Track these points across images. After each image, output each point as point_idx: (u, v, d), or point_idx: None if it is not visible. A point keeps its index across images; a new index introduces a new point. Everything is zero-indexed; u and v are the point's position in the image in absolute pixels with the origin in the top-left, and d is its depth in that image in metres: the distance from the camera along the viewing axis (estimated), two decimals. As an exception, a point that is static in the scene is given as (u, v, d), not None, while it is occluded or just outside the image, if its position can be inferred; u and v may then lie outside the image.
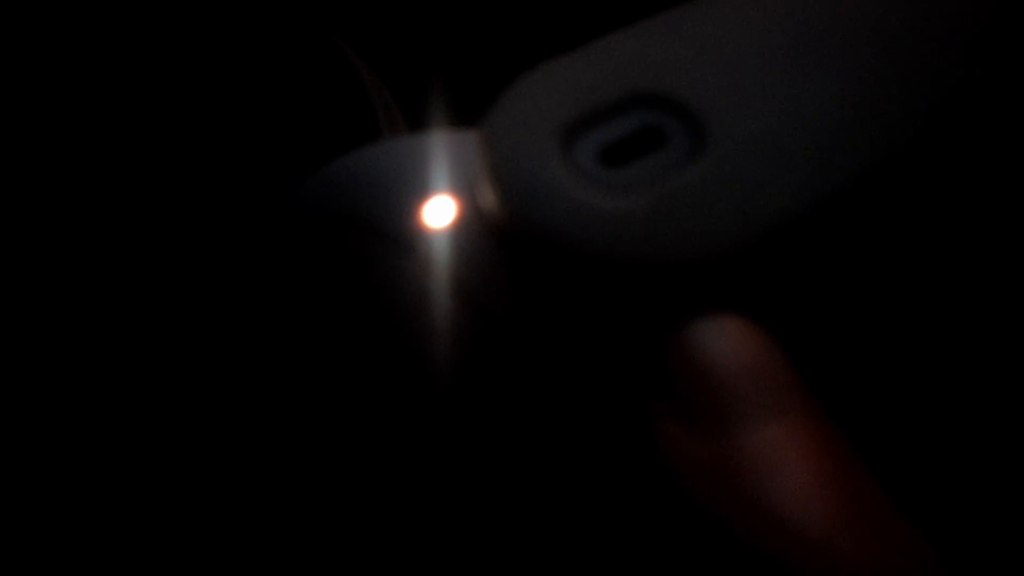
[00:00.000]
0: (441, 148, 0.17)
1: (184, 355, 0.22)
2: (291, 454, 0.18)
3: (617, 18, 0.16)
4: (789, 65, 0.15)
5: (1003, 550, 0.17)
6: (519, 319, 0.15)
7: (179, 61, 0.24)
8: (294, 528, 0.19)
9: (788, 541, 0.12)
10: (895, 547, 0.13)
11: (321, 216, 0.17)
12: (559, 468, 0.15)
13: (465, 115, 0.18)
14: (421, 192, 0.16)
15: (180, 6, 0.25)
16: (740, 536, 0.12)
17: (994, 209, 0.16)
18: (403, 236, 0.16)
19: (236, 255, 0.20)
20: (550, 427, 0.15)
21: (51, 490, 0.22)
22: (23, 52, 0.24)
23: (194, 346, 0.22)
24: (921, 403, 0.17)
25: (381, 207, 0.16)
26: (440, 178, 0.16)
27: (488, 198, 0.14)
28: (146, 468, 0.22)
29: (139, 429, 0.22)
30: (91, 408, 0.22)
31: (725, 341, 0.14)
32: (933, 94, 0.15)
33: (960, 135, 0.15)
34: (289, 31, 0.25)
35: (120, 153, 0.24)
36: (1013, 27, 0.15)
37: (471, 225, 0.15)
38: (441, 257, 0.15)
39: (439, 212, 0.16)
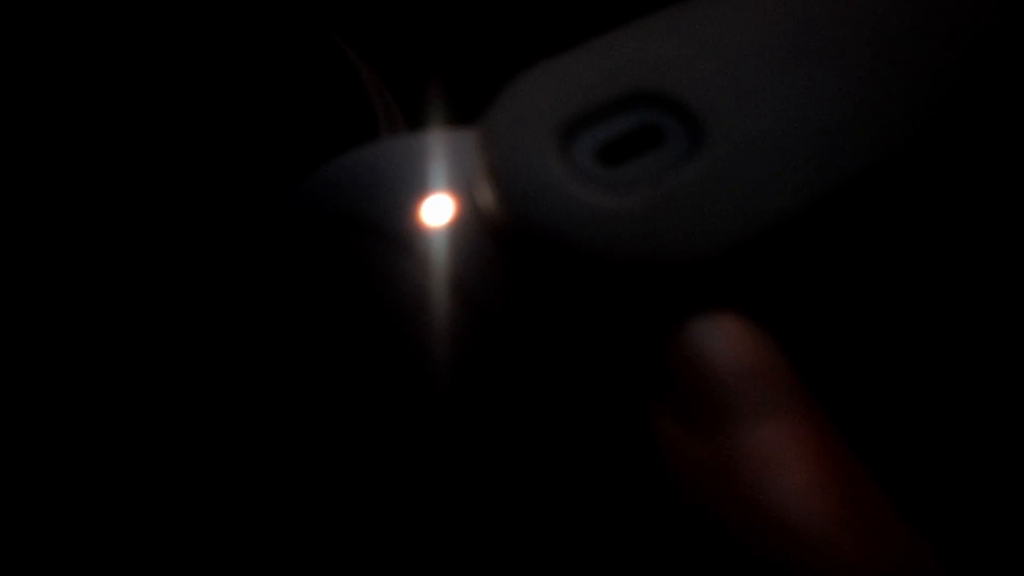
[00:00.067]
0: (440, 147, 0.17)
1: (183, 354, 0.22)
2: (290, 452, 0.18)
3: (616, 17, 0.16)
4: (787, 64, 0.15)
5: (1002, 550, 0.17)
6: (518, 318, 0.15)
7: (178, 60, 0.24)
8: (293, 527, 0.19)
9: (787, 540, 0.12)
10: (894, 546, 0.13)
11: (320, 215, 0.17)
12: (558, 467, 0.15)
13: (464, 114, 0.18)
14: (420, 191, 0.16)
15: (180, 5, 0.25)
16: (739, 535, 0.12)
17: (994, 209, 0.16)
18: (402, 235, 0.16)
19: (235, 254, 0.20)
20: (549, 426, 0.15)
21: (51, 490, 0.22)
22: (23, 51, 0.24)
23: (193, 345, 0.22)
24: (920, 402, 0.17)
25: (380, 206, 0.16)
26: (439, 177, 0.16)
27: (486, 197, 0.14)
28: (146, 468, 0.22)
29: (139, 429, 0.22)
30: (91, 408, 0.22)
31: (724, 340, 0.14)
32: (933, 93, 0.15)
33: (960, 135, 0.15)
34: (288, 30, 0.25)
35: (119, 152, 0.24)
36: (1014, 27, 0.15)
37: (470, 224, 0.15)
38: (440, 256, 0.15)
39: (438, 211, 0.16)
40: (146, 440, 0.22)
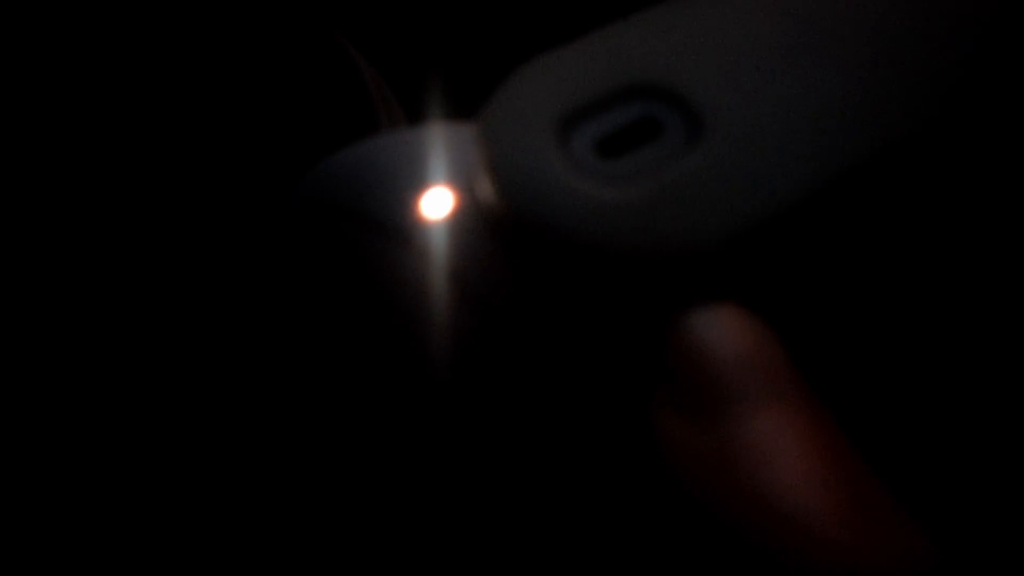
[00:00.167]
0: (439, 141, 0.17)
1: (184, 348, 0.22)
2: (290, 443, 0.18)
3: (614, 10, 0.16)
4: (785, 56, 0.15)
5: (1001, 540, 0.17)
6: (517, 310, 0.15)
7: (178, 56, 0.24)
8: (293, 519, 0.19)
9: (786, 530, 0.12)
10: (892, 536, 0.13)
11: (321, 209, 0.17)
12: (557, 460, 0.15)
13: (463, 108, 0.18)
14: (419, 184, 0.16)
15: (180, 2, 0.25)
16: (738, 526, 0.13)
17: (993, 202, 0.16)
18: (402, 228, 0.16)
19: (236, 249, 0.20)
20: (548, 418, 0.15)
21: (51, 490, 0.22)
22: (23, 47, 0.24)
23: (194, 338, 0.22)
24: (918, 395, 0.17)
25: (380, 199, 0.16)
26: (438, 170, 0.16)
27: (486, 190, 0.14)
28: (145, 461, 0.22)
29: (138, 423, 0.22)
30: (91, 399, 0.22)
31: (722, 332, 0.14)
32: (931, 86, 0.15)
33: (959, 128, 0.15)
34: (288, 26, 0.25)
35: (118, 148, 0.24)
36: (1014, 26, 0.15)
37: (469, 217, 0.15)
38: (439, 248, 0.15)
39: (437, 204, 0.16)
40: (146, 432, 0.22)
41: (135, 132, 0.24)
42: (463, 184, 0.16)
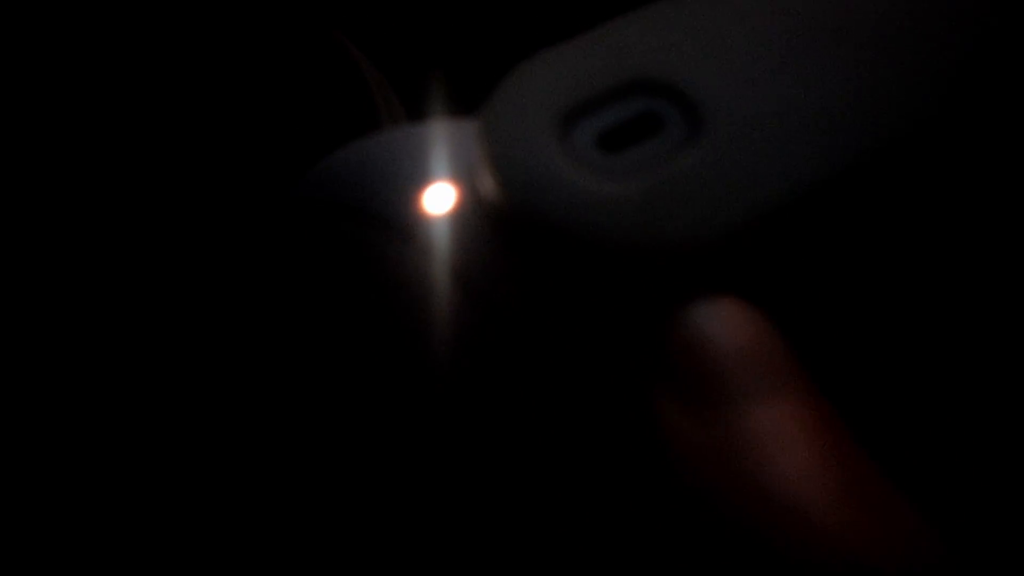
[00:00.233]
0: (440, 137, 0.17)
1: (186, 346, 0.22)
2: (291, 441, 0.18)
3: (614, 6, 0.16)
4: (785, 52, 0.15)
5: (1004, 531, 0.17)
6: (519, 304, 0.15)
7: (180, 55, 0.24)
8: (293, 518, 0.19)
9: (787, 520, 0.12)
10: (895, 526, 0.13)
11: (322, 205, 0.17)
12: (560, 454, 0.16)
13: (464, 105, 0.18)
14: (421, 180, 0.16)
15: (182, 1, 0.25)
16: (740, 517, 0.13)
17: (992, 199, 0.16)
18: (404, 223, 0.16)
19: (239, 247, 0.20)
20: (550, 413, 0.15)
21: (51, 490, 0.22)
22: (25, 46, 0.24)
23: (196, 336, 0.22)
24: (918, 387, 0.18)
25: (382, 195, 0.16)
26: (440, 166, 0.16)
27: (487, 185, 0.15)
28: (144, 460, 0.22)
29: (138, 420, 0.22)
30: (92, 395, 0.22)
31: (723, 324, 0.14)
32: (932, 81, 0.15)
33: (959, 123, 0.15)
34: (289, 25, 0.25)
35: (120, 147, 0.24)
36: (1014, 26, 0.15)
37: (471, 212, 0.15)
38: (441, 244, 0.15)
39: (439, 199, 0.16)
40: (145, 430, 0.22)
41: (138, 132, 0.24)
42: (465, 180, 0.16)
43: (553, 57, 0.15)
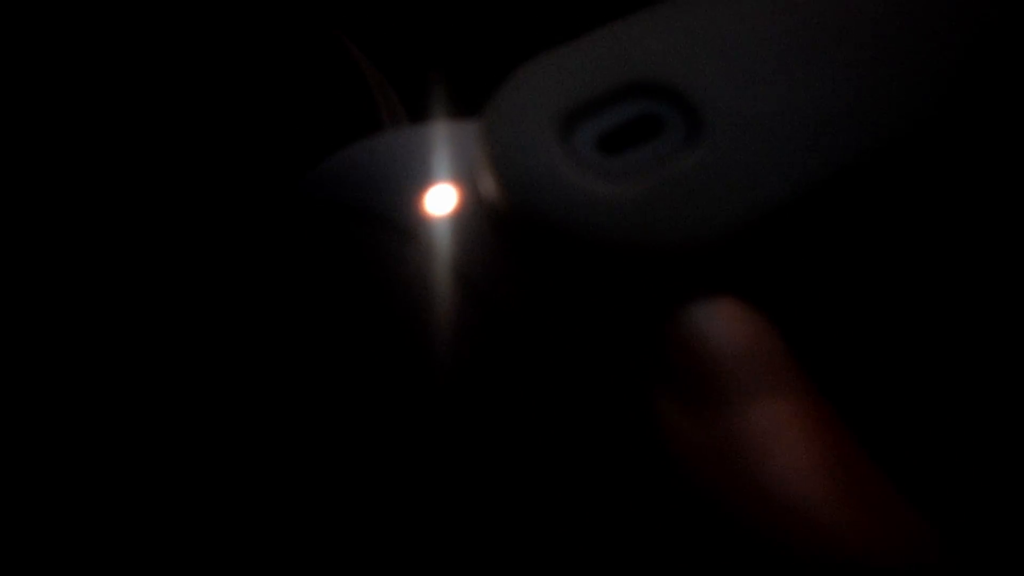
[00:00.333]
0: (442, 138, 0.17)
1: (188, 346, 0.22)
2: (294, 440, 0.18)
3: (615, 9, 0.16)
4: (785, 54, 0.15)
5: (1002, 530, 0.17)
6: (519, 304, 0.15)
7: (181, 54, 0.24)
8: (294, 518, 0.19)
9: (788, 519, 0.12)
10: (894, 525, 0.13)
11: (324, 206, 0.17)
12: (560, 454, 0.16)
13: (465, 106, 0.18)
14: (423, 181, 0.16)
15: (183, 1, 0.25)
16: (740, 516, 0.13)
17: (992, 199, 0.17)
18: (406, 224, 0.16)
19: (241, 247, 0.20)
20: (551, 414, 0.15)
21: (51, 490, 0.22)
22: (27, 45, 0.24)
23: (199, 336, 0.22)
24: (917, 387, 0.18)
25: (384, 196, 0.16)
26: (441, 167, 0.16)
27: (489, 186, 0.15)
28: (144, 458, 0.22)
29: (138, 419, 0.22)
30: (93, 393, 0.22)
31: (722, 324, 0.14)
32: (930, 81, 0.15)
33: (959, 123, 0.15)
34: (290, 25, 0.25)
35: (123, 147, 0.24)
36: (1013, 26, 0.15)
37: (472, 213, 0.15)
38: (442, 244, 0.16)
39: (441, 200, 0.16)
40: (145, 429, 0.22)
41: (139, 131, 0.24)
42: (466, 181, 0.16)
43: (554, 59, 0.15)
